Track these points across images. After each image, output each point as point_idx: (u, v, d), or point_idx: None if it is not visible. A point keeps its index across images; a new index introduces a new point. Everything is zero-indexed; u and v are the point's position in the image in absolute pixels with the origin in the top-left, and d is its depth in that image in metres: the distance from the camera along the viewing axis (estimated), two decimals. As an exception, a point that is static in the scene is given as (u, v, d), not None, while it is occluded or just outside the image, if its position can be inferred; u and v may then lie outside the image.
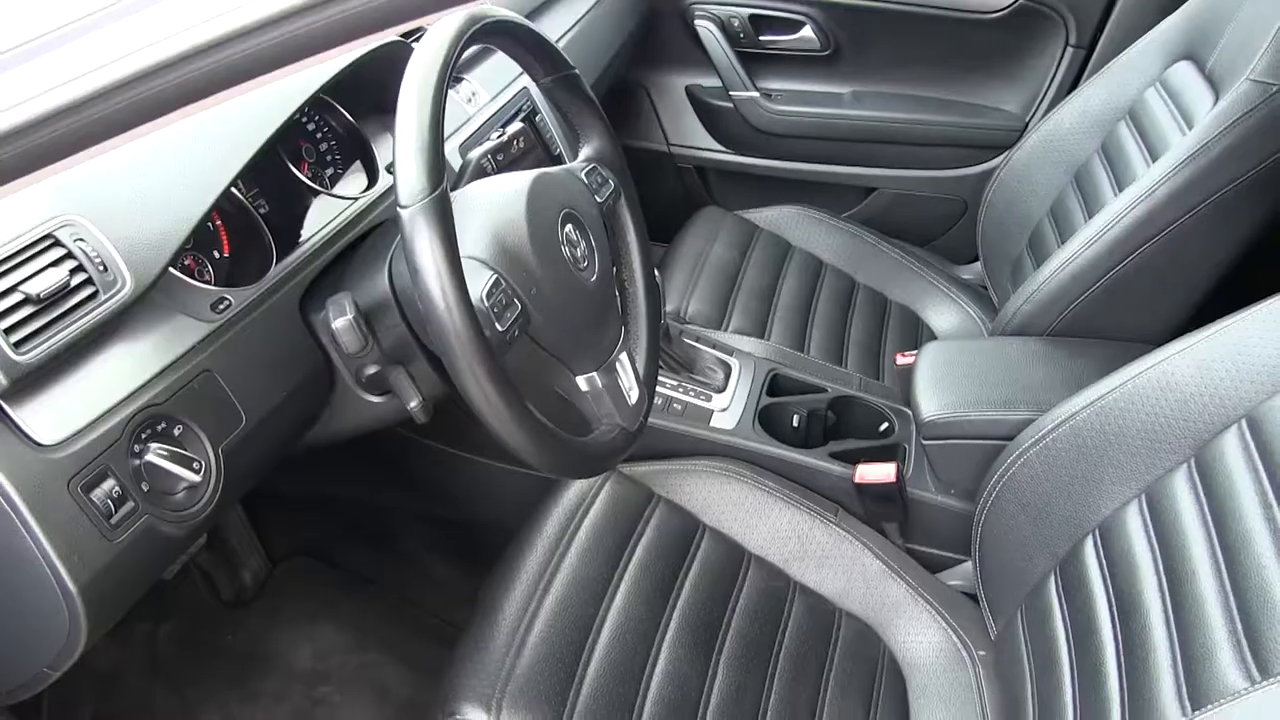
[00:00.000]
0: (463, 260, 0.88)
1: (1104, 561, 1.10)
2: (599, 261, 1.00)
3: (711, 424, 1.42)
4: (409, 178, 0.80)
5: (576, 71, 1.06)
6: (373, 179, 1.19)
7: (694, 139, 2.19)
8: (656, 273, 1.35)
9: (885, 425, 1.50)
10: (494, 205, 0.93)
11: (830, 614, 1.30)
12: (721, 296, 1.76)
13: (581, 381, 0.99)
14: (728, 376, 1.50)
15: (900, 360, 1.56)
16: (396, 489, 1.64)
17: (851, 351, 1.75)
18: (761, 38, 2.06)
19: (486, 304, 0.85)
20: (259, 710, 1.44)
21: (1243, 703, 0.80)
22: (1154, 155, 1.48)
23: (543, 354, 0.95)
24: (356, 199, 1.13)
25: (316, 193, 1.12)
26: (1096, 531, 1.12)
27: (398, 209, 0.80)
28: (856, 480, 1.33)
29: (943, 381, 1.36)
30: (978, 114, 2.02)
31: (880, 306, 1.89)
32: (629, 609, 1.20)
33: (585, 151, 1.11)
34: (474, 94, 1.38)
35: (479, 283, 0.86)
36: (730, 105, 2.09)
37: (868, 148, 2.07)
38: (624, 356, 1.03)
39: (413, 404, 0.96)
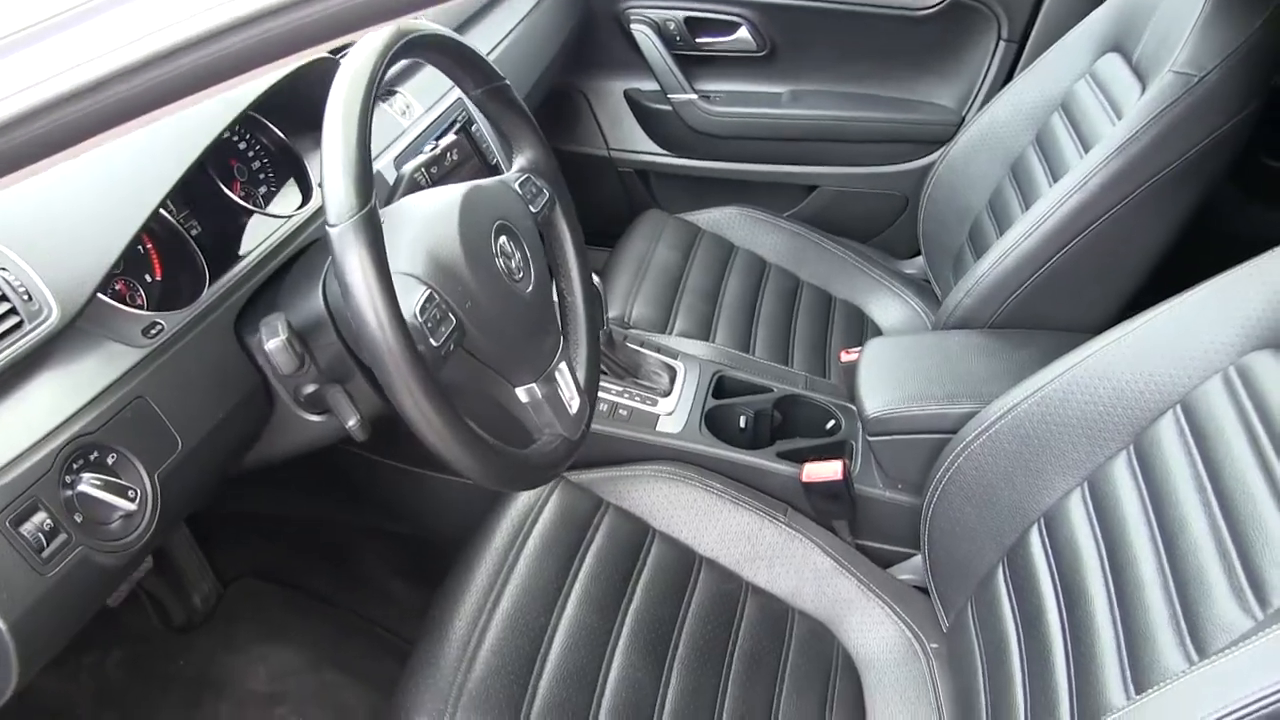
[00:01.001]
0: (395, 276, 0.88)
1: (1050, 550, 1.11)
2: (534, 272, 1.00)
3: (658, 428, 1.42)
4: (337, 196, 0.79)
5: (506, 82, 1.06)
6: (306, 196, 1.17)
7: (634, 143, 2.19)
8: (597, 279, 1.35)
9: (832, 423, 1.51)
10: (426, 220, 0.93)
11: (783, 613, 1.31)
12: (666, 300, 1.76)
13: (521, 393, 0.98)
14: (673, 380, 1.50)
15: (844, 357, 1.57)
16: (347, 506, 1.63)
17: (797, 350, 1.76)
18: (698, 40, 2.07)
19: (420, 319, 0.84)
20: (212, 737, 1.42)
21: (1181, 684, 0.81)
22: (1086, 146, 1.50)
23: (480, 367, 0.94)
24: (290, 217, 1.11)
25: (250, 212, 1.11)
26: (1042, 520, 1.14)
27: (326, 228, 0.79)
28: (803, 479, 1.34)
29: (885, 378, 1.37)
30: (915, 109, 2.04)
31: (825, 304, 1.91)
32: (581, 617, 1.19)
33: (519, 162, 1.10)
34: (408, 107, 1.37)
35: (412, 298, 0.85)
36: (669, 108, 2.10)
37: (807, 146, 2.08)
38: (563, 366, 1.02)
39: (350, 422, 0.95)
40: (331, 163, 0.80)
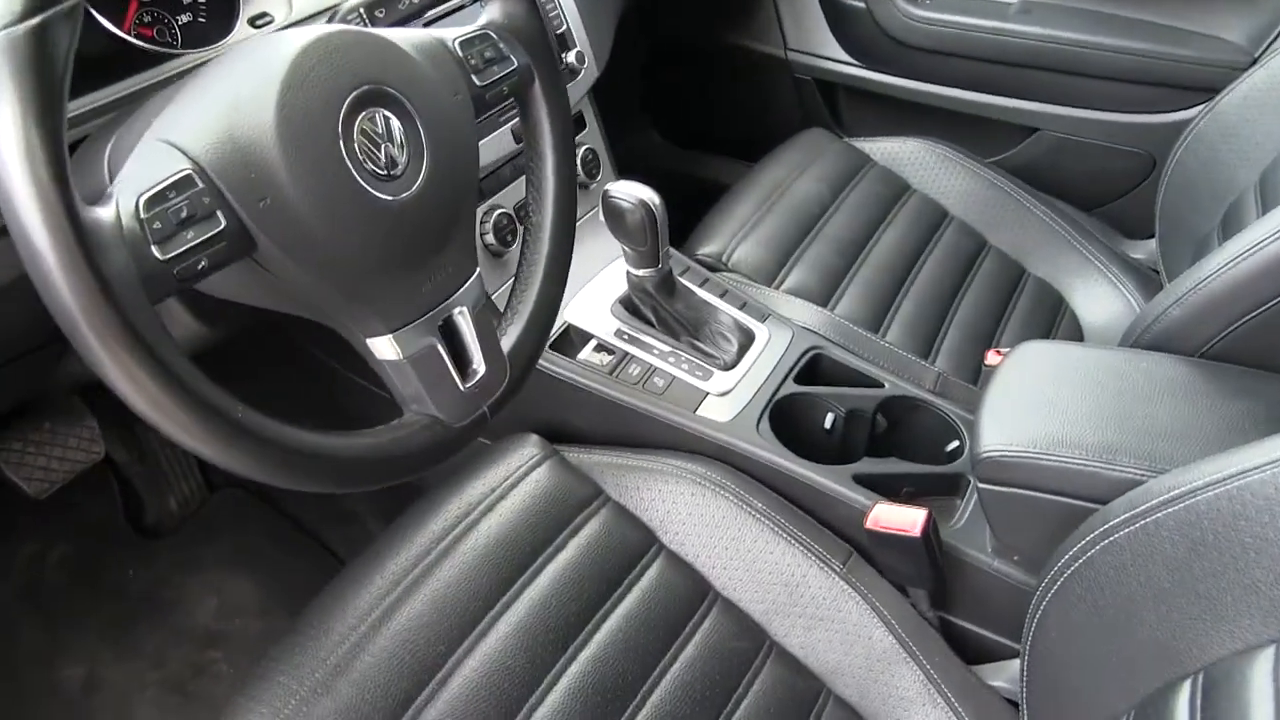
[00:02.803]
0: (148, 143, 0.57)
1: (1200, 729, 0.70)
2: (430, 169, 0.66)
3: (698, 411, 1.06)
4: None
5: None
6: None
7: (818, 45, 1.77)
8: (654, 197, 1.00)
9: (954, 445, 1.11)
10: (242, 69, 0.61)
11: (811, 695, 0.94)
12: (787, 242, 1.37)
13: (379, 345, 0.66)
14: (743, 350, 1.13)
15: (990, 359, 1.14)
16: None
17: (950, 337, 1.34)
18: (912, -80, 1.62)
19: (141, 214, 0.53)
20: (129, 672, 1.21)
21: None
22: None
23: (300, 296, 0.62)
24: (176, 54, 0.82)
25: (138, 50, 0.82)
26: (1200, 678, 0.72)
27: None
28: (867, 524, 0.95)
29: (1022, 401, 0.95)
30: (1187, 42, 1.51)
31: (1012, 280, 1.46)
32: (503, 651, 0.87)
33: (487, 12, 0.76)
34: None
35: (148, 179, 0.54)
36: (863, 5, 1.67)
37: (1034, 76, 1.60)
38: (462, 313, 0.69)
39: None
40: None
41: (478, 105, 0.72)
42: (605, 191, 1.03)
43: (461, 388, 0.69)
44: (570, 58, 1.14)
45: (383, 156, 0.63)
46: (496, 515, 0.96)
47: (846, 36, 1.73)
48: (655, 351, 1.10)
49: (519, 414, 1.15)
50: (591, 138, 1.23)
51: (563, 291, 0.80)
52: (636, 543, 0.99)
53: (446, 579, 0.90)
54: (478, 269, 0.70)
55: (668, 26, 1.91)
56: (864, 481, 1.02)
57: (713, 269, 1.29)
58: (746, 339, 1.14)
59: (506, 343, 0.74)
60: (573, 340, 1.12)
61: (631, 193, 1.02)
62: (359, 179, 0.62)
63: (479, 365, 0.70)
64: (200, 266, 0.55)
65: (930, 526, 0.93)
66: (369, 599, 0.87)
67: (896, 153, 1.59)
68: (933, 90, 1.69)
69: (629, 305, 1.13)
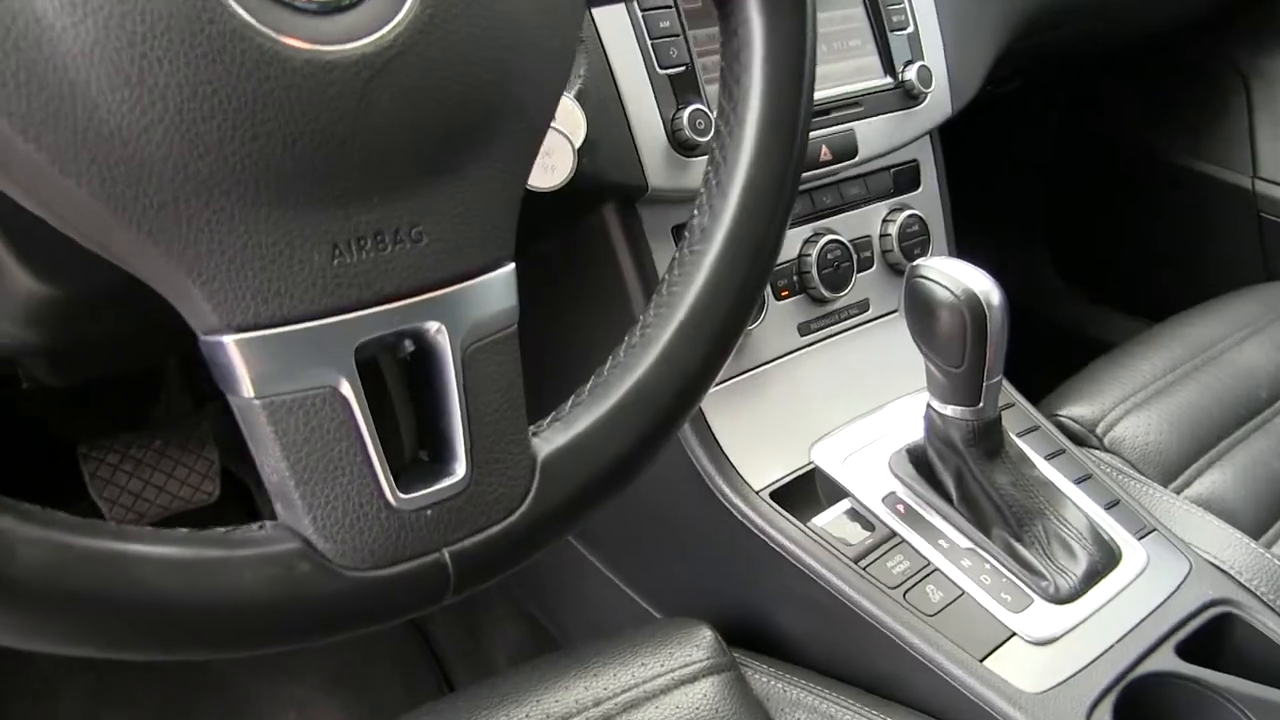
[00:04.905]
0: None
1: None
2: (424, 13, 0.31)
3: (989, 662, 0.62)
4: None
5: None
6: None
7: (1305, 176, 1.27)
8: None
9: None
10: None
11: None
12: (1208, 426, 0.89)
13: (216, 353, 0.31)
14: (1095, 576, 0.67)
15: None
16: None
17: None
18: None
19: None
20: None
21: None
22: None
23: (39, 196, 0.29)
24: None
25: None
26: None
27: None
28: None
29: None
30: None
31: None
32: None
33: None
34: None
35: None
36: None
37: None
38: (440, 333, 0.32)
39: None
40: None
41: None
42: (913, 268, 0.64)
43: (390, 497, 0.32)
44: (911, 74, 0.77)
45: None
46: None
47: (1354, 167, 1.22)
48: (943, 542, 0.67)
49: (692, 587, 0.77)
50: (925, 202, 0.83)
51: (718, 366, 0.41)
52: None
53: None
54: (510, 262, 0.34)
55: (1093, 126, 1.48)
56: None
57: (1078, 440, 0.84)
58: (1105, 559, 0.68)
59: (555, 436, 0.37)
60: (815, 493, 0.72)
61: (956, 276, 0.62)
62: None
63: (459, 463, 0.33)
64: None
65: None
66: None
67: None
68: None
69: (919, 460, 0.72)
